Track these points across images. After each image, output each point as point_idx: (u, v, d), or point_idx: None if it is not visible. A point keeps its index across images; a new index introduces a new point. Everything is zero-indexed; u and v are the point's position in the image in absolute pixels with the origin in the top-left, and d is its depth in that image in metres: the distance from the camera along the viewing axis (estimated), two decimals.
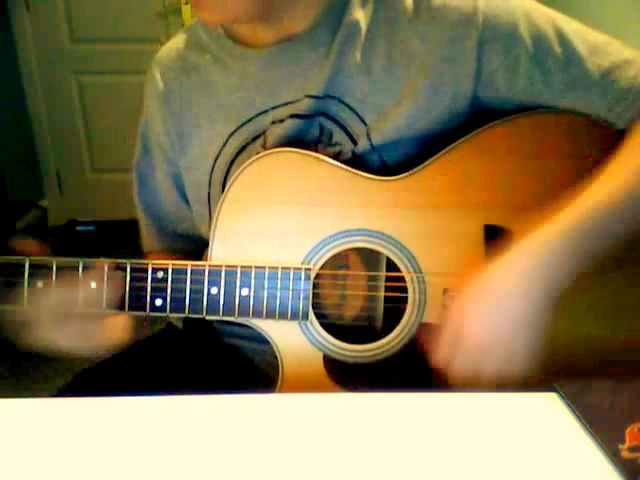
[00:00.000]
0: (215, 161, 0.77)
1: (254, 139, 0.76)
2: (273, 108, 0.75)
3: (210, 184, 0.78)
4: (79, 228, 3.16)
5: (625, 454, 0.50)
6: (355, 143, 0.73)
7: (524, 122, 0.71)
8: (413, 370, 0.69)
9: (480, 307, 0.63)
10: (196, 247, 0.84)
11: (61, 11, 2.89)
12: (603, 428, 0.53)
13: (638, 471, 0.48)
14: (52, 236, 3.06)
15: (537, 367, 0.63)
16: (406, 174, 0.70)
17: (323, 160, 0.70)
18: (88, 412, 0.59)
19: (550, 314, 0.62)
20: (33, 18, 2.91)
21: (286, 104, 0.74)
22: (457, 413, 0.58)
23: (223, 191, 0.75)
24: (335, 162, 0.70)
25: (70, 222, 3.17)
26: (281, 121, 0.74)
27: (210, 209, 0.79)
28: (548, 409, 0.57)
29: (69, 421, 0.58)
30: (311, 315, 0.69)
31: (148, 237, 0.89)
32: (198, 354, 0.85)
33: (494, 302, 0.63)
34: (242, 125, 0.76)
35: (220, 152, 0.77)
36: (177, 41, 0.84)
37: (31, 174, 3.12)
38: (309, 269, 0.69)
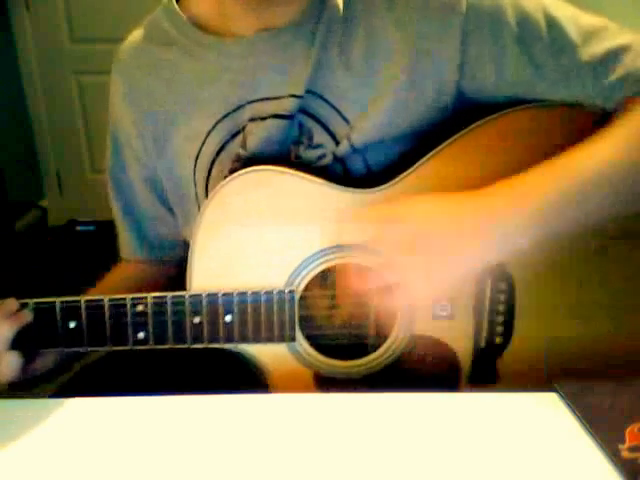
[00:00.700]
0: (196, 161, 0.74)
1: (233, 136, 0.72)
2: (250, 102, 0.70)
3: (195, 184, 0.75)
4: (79, 228, 3.16)
5: (625, 454, 0.50)
6: (337, 143, 0.69)
7: (509, 120, 0.67)
8: (405, 383, 0.68)
9: (448, 201, 0.62)
10: (175, 255, 0.82)
11: (61, 11, 2.88)
12: (603, 428, 0.53)
13: (638, 471, 0.48)
14: (52, 236, 3.06)
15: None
16: (388, 184, 0.67)
17: (299, 176, 0.67)
18: (88, 412, 0.60)
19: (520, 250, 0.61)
20: (33, 18, 2.90)
21: (266, 99, 0.70)
22: (457, 413, 0.58)
23: (206, 193, 0.73)
24: (312, 177, 0.67)
25: (70, 222, 3.17)
26: (262, 119, 0.70)
27: (199, 207, 0.75)
28: (548, 409, 0.57)
29: (69, 421, 0.58)
30: (299, 336, 0.67)
31: (126, 242, 0.85)
32: (197, 354, 0.85)
33: (468, 201, 0.62)
34: (219, 121, 0.72)
35: (200, 151, 0.73)
36: (136, 37, 0.79)
37: (31, 174, 3.11)
38: (293, 291, 0.66)
